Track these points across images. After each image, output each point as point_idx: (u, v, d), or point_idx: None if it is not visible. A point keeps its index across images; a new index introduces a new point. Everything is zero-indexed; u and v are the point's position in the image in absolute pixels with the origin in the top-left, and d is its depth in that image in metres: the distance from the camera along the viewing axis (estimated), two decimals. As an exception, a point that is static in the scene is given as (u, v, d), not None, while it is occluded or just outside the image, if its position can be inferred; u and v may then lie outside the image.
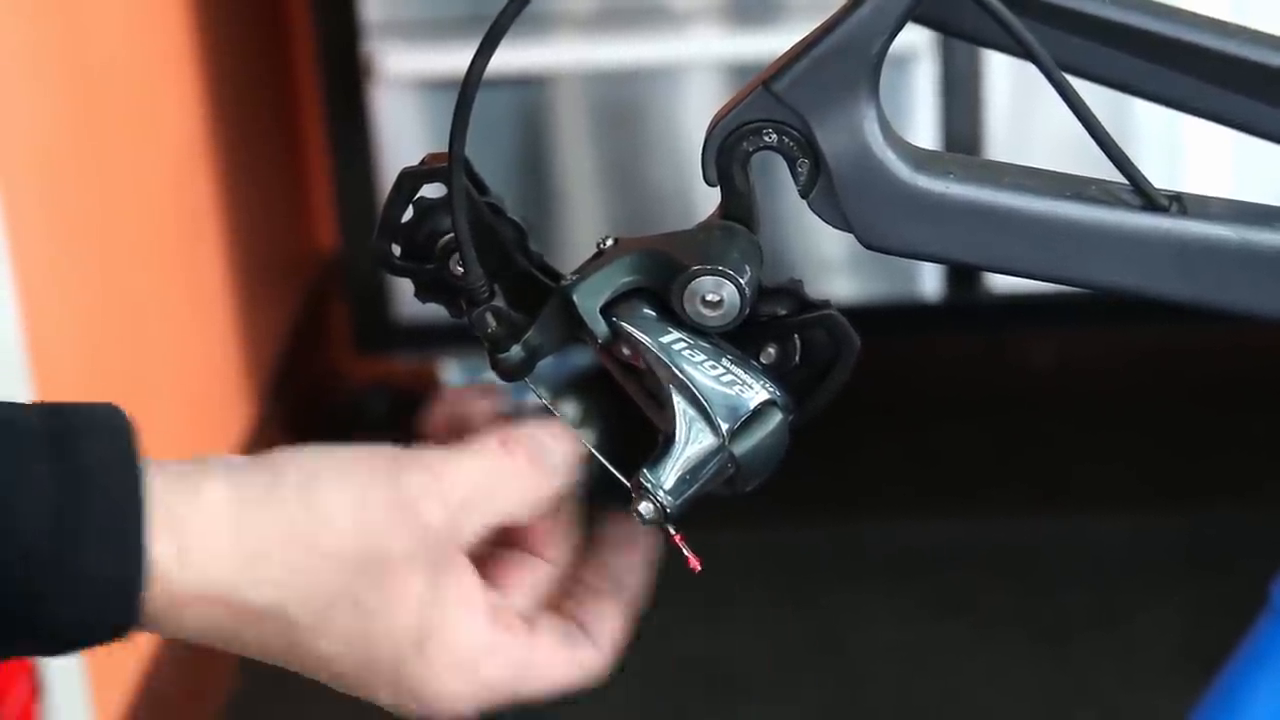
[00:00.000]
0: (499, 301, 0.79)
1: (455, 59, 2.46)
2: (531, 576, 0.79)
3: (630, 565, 0.80)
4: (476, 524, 0.75)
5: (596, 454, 0.78)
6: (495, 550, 0.79)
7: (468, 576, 0.75)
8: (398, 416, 2.85)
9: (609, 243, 0.79)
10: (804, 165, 0.75)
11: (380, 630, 0.74)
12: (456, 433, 0.79)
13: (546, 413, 0.80)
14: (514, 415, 0.80)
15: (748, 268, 0.76)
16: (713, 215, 0.78)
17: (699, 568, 0.79)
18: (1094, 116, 0.73)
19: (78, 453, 0.71)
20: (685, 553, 0.78)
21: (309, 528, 0.74)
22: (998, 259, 0.76)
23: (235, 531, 0.73)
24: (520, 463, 0.76)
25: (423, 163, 0.80)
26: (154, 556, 0.71)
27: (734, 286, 0.76)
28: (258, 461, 0.75)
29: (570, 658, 0.78)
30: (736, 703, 2.33)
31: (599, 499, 0.80)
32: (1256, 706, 1.25)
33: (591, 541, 0.81)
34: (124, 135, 2.18)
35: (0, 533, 0.69)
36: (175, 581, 0.72)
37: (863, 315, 0.81)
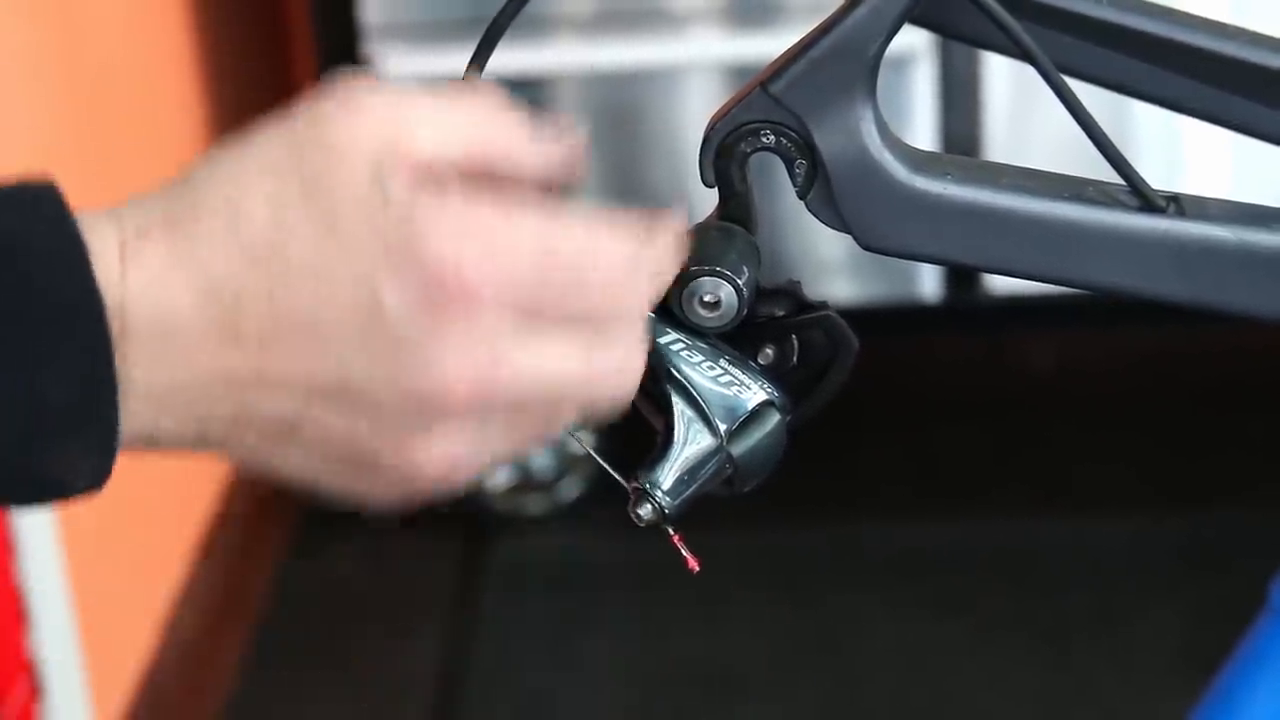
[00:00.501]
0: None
1: (454, 61, 2.46)
2: None
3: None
4: (430, 128, 0.64)
5: (595, 455, 0.78)
6: None
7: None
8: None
9: (607, 243, 0.79)
10: (802, 166, 0.75)
11: (336, 202, 0.62)
12: None
13: None
14: None
15: (746, 268, 0.76)
16: (710, 216, 0.78)
17: (697, 568, 0.79)
18: (1091, 118, 0.74)
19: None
20: (683, 553, 0.78)
21: (236, 155, 0.64)
22: (996, 260, 0.76)
23: (167, 183, 0.64)
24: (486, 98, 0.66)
25: (422, 164, 0.80)
26: (83, 213, 0.62)
27: (732, 287, 0.76)
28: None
29: (584, 221, 0.65)
30: (734, 703, 2.33)
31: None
32: (1256, 707, 1.25)
33: None
34: (124, 137, 2.18)
35: None
36: (115, 223, 0.62)
37: (862, 317, 0.81)
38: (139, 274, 0.62)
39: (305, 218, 0.62)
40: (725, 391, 0.77)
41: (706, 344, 0.77)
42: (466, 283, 0.62)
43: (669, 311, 0.77)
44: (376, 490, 0.66)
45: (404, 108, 0.64)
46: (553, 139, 0.68)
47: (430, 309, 0.62)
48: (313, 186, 0.62)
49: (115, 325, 0.62)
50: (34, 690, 1.83)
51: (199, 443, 0.65)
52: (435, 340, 0.62)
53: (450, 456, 0.65)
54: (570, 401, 0.67)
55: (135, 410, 0.63)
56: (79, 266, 0.61)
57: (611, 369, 0.68)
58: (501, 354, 0.64)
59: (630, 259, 0.67)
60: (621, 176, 2.60)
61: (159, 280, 0.62)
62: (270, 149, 0.64)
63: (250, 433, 0.65)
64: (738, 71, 2.52)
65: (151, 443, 0.64)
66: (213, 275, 0.62)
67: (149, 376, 0.63)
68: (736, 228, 0.78)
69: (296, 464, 0.66)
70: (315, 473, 0.66)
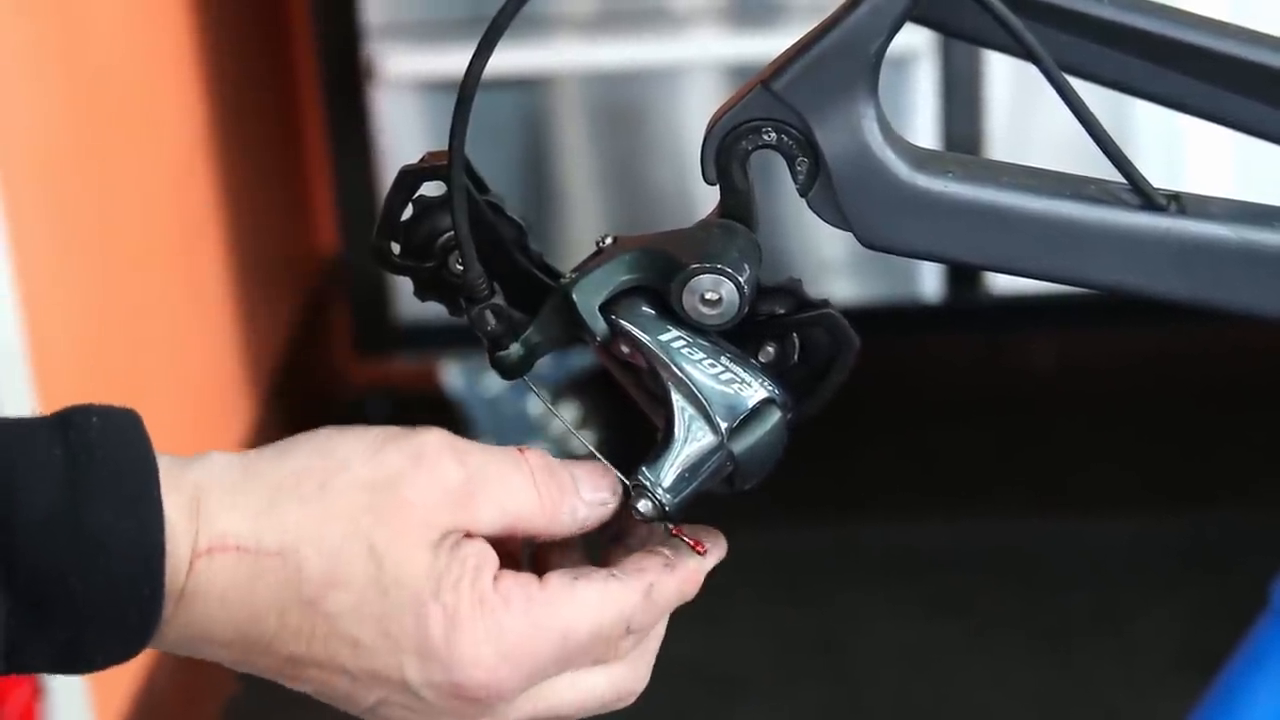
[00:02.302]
0: (499, 300, 0.79)
1: (455, 60, 2.46)
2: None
3: (679, 553, 0.78)
4: (493, 507, 0.73)
5: (595, 452, 0.78)
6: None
7: (484, 550, 0.73)
8: (398, 418, 2.85)
9: (608, 241, 0.79)
10: (803, 164, 0.75)
11: (391, 581, 0.72)
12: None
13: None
14: None
15: (747, 266, 0.76)
16: (712, 214, 0.78)
17: (704, 551, 0.79)
18: (1093, 116, 0.74)
19: (84, 427, 0.70)
20: (686, 540, 0.78)
21: (324, 471, 0.72)
22: (997, 258, 0.76)
23: (246, 480, 0.72)
24: (536, 470, 0.75)
25: (423, 161, 0.80)
26: (169, 514, 0.70)
27: (733, 285, 0.76)
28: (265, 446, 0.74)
29: (596, 591, 0.74)
30: (735, 703, 2.33)
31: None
32: (1256, 706, 1.25)
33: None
34: (125, 136, 2.18)
35: (13, 503, 0.68)
36: (192, 536, 0.71)
37: (862, 316, 0.81)
38: (199, 582, 0.71)
39: (360, 584, 0.72)
40: (726, 389, 0.77)
41: (708, 341, 0.77)
42: (491, 687, 0.73)
43: (670, 309, 0.77)
44: None
45: (471, 488, 0.73)
46: (591, 500, 0.76)
47: (457, 700, 0.73)
48: (375, 559, 0.72)
49: (166, 607, 0.71)
50: (35, 690, 1.83)
51: None
52: (462, 714, 0.74)
53: None
54: (593, 709, 0.77)
55: (156, 643, 0.73)
56: (156, 575, 0.70)
57: (629, 688, 0.78)
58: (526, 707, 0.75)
59: (642, 610, 0.76)
60: (622, 176, 2.60)
61: (212, 594, 0.72)
62: (344, 502, 0.72)
63: (282, 680, 0.76)
64: (738, 71, 2.52)
65: None
66: (263, 605, 0.72)
67: (177, 643, 0.73)
68: (738, 225, 0.78)
69: (328, 700, 0.77)
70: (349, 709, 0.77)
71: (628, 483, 0.77)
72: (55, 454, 0.70)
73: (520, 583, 0.73)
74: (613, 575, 0.75)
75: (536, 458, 0.75)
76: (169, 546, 0.70)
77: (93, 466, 0.70)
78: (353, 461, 0.73)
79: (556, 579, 0.74)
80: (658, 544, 0.77)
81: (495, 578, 0.73)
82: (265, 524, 0.72)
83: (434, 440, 0.74)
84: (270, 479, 0.72)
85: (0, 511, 0.68)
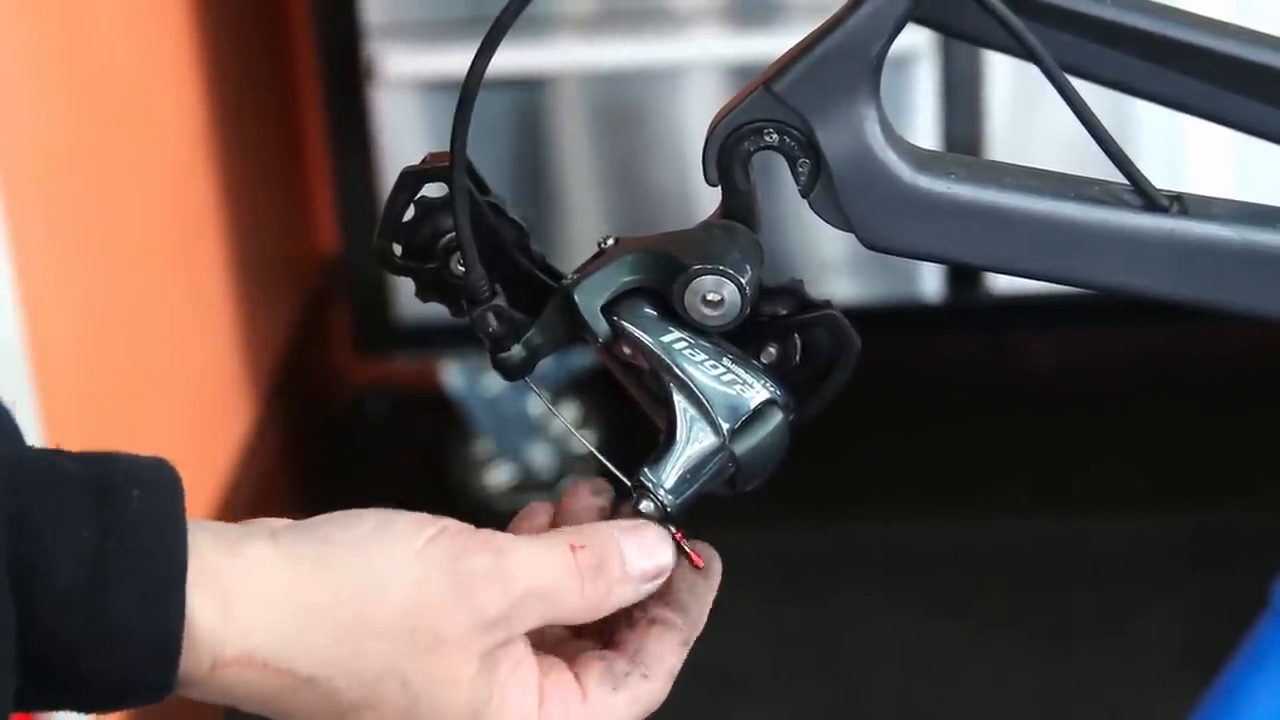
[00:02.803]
0: (500, 301, 0.79)
1: (456, 60, 2.46)
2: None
3: (693, 589, 0.79)
4: (533, 620, 0.73)
5: (597, 454, 0.78)
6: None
7: (522, 659, 0.74)
8: (398, 418, 2.85)
9: (610, 242, 0.79)
10: (805, 165, 0.75)
11: (427, 711, 0.72)
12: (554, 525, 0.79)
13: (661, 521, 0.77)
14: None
15: (749, 267, 0.76)
16: (714, 215, 0.78)
17: (701, 566, 0.79)
18: (1095, 117, 0.74)
19: (120, 502, 0.69)
20: (686, 551, 0.78)
21: (360, 597, 0.72)
22: (999, 259, 0.76)
23: (281, 594, 0.71)
24: (585, 572, 0.74)
25: (424, 162, 0.80)
26: (194, 613, 0.69)
27: (735, 286, 0.76)
28: (305, 525, 0.73)
29: (627, 698, 0.76)
30: (735, 703, 2.33)
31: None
32: (1257, 707, 1.25)
33: None
34: (125, 136, 2.18)
35: (37, 578, 0.68)
36: (217, 641, 0.70)
37: (863, 316, 0.81)
38: (221, 683, 0.71)
39: (397, 709, 0.72)
40: (728, 390, 0.77)
41: (709, 343, 0.77)
42: None
43: (672, 310, 0.77)
44: None
45: (512, 615, 0.73)
46: (638, 581, 0.76)
47: None
48: (411, 693, 0.72)
49: (179, 691, 0.71)
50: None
51: None
52: None
53: None
54: None
55: None
56: (171, 668, 0.70)
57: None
58: None
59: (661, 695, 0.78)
60: (622, 176, 2.60)
61: (234, 694, 0.71)
62: (379, 641, 0.72)
63: None
64: (739, 71, 2.52)
65: None
66: (289, 707, 0.72)
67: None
68: (739, 226, 0.78)
69: None
70: None
71: (630, 484, 0.77)
72: (85, 533, 0.69)
73: (563, 697, 0.74)
74: (645, 677, 0.77)
75: (586, 556, 0.74)
76: (188, 644, 0.70)
77: (123, 554, 0.69)
78: (390, 589, 0.72)
79: (596, 691, 0.75)
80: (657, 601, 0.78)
81: (540, 697, 0.74)
82: (298, 650, 0.71)
83: (480, 566, 0.72)
84: (308, 595, 0.71)
85: (22, 586, 0.68)
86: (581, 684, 0.75)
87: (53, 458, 0.70)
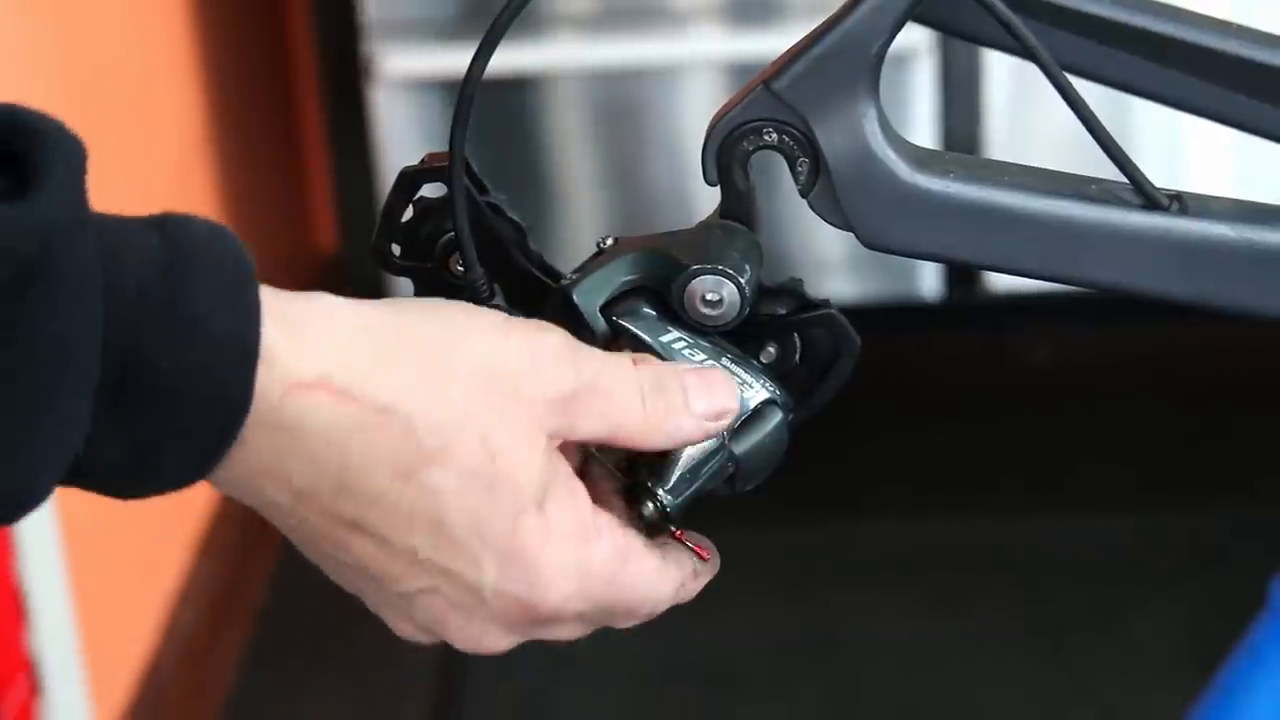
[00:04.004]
0: (499, 301, 0.79)
1: (455, 59, 2.46)
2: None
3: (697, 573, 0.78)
4: (595, 418, 0.71)
5: (596, 454, 0.78)
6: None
7: (574, 480, 0.72)
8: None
9: (609, 242, 0.79)
10: (804, 164, 0.75)
11: (504, 474, 0.68)
12: None
13: None
14: None
15: (748, 267, 0.76)
16: (713, 214, 0.78)
17: (707, 558, 0.79)
18: (1094, 115, 0.74)
19: (183, 226, 0.67)
20: (689, 545, 0.78)
21: (440, 340, 0.69)
22: (998, 258, 0.76)
23: (356, 329, 0.68)
24: (647, 387, 0.72)
25: (423, 162, 0.80)
26: (266, 334, 0.65)
27: (734, 285, 0.76)
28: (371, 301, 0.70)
29: (657, 561, 0.74)
30: (734, 700, 2.33)
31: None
32: (1255, 705, 1.25)
33: None
34: (124, 135, 2.18)
35: (105, 284, 0.64)
36: (291, 362, 0.66)
37: (861, 314, 0.81)
38: (296, 413, 0.67)
39: (463, 471, 0.68)
40: (728, 389, 0.76)
41: (709, 342, 0.77)
42: (558, 613, 0.72)
43: (671, 310, 0.77)
44: (413, 626, 0.73)
45: (581, 396, 0.71)
46: (700, 414, 0.74)
47: (518, 611, 0.71)
48: (485, 455, 0.68)
49: (249, 427, 0.66)
50: (33, 688, 1.82)
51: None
52: (513, 618, 0.72)
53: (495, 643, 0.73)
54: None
55: (217, 480, 0.68)
56: (249, 367, 0.65)
57: None
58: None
59: (672, 592, 0.76)
60: (621, 175, 2.60)
61: (306, 430, 0.67)
62: (463, 380, 0.69)
63: (322, 546, 0.71)
64: (738, 69, 2.52)
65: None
66: (357, 458, 0.67)
67: (242, 477, 0.68)
68: (739, 226, 0.77)
69: (347, 579, 0.72)
70: (363, 593, 0.73)
71: (630, 484, 0.77)
72: (152, 240, 0.66)
73: (609, 522, 0.72)
74: (663, 559, 0.75)
75: (649, 372, 0.73)
76: (264, 356, 0.65)
77: (192, 258, 0.65)
78: (474, 336, 0.70)
79: (633, 535, 0.74)
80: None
81: (592, 509, 0.72)
82: (378, 378, 0.67)
83: (554, 342, 0.71)
84: (385, 333, 0.68)
85: (96, 283, 0.64)
86: (624, 534, 0.73)
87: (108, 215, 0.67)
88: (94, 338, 0.64)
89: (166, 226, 0.67)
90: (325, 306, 0.68)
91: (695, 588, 0.77)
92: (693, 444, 0.74)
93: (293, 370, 0.66)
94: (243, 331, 0.65)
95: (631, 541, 0.73)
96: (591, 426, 0.71)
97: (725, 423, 0.75)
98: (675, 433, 0.73)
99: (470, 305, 0.72)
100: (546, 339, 0.71)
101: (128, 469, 0.66)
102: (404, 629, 0.73)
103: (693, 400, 0.74)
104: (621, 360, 0.73)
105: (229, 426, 0.66)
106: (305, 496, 0.68)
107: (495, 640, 0.73)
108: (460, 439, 0.68)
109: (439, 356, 0.69)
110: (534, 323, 0.72)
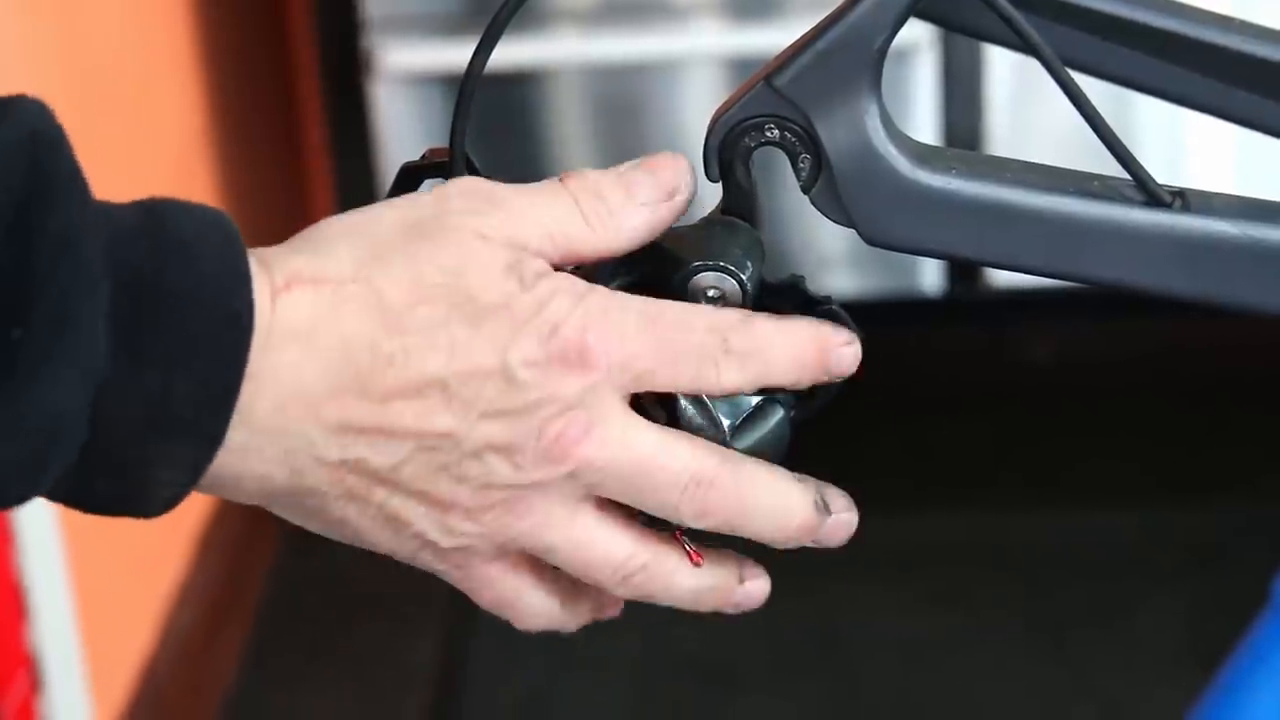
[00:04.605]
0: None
1: (455, 54, 2.46)
2: None
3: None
4: (535, 230, 0.71)
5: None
6: None
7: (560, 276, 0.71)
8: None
9: (609, 238, 0.79)
10: (806, 161, 0.75)
11: (477, 282, 0.69)
12: None
13: None
14: None
15: (749, 263, 0.76)
16: (714, 210, 0.78)
17: (700, 564, 0.79)
18: (1097, 112, 0.73)
19: (154, 208, 0.69)
20: (686, 549, 0.78)
21: (362, 218, 0.71)
22: (1000, 255, 0.75)
23: (294, 241, 0.71)
24: (581, 198, 0.72)
25: (423, 158, 0.80)
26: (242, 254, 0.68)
27: (735, 282, 0.76)
28: None
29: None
30: (734, 696, 2.33)
31: None
32: (1257, 702, 1.25)
33: None
34: (123, 131, 2.18)
35: (99, 206, 0.66)
36: (264, 275, 0.68)
37: (863, 310, 0.81)
38: (284, 317, 0.68)
39: (444, 296, 0.69)
40: (729, 387, 0.76)
41: (710, 339, 0.77)
42: (588, 352, 0.70)
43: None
44: (443, 561, 0.72)
45: (509, 215, 0.71)
46: (649, 200, 0.74)
47: (553, 372, 0.69)
48: (451, 273, 0.69)
49: (255, 355, 0.67)
50: (34, 684, 1.82)
51: (276, 495, 0.70)
52: (553, 401, 0.70)
53: (539, 531, 0.72)
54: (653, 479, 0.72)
55: (237, 445, 0.68)
56: (244, 283, 0.67)
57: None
58: (606, 426, 0.71)
59: (720, 330, 0.72)
60: (622, 170, 2.59)
61: (299, 329, 0.68)
62: (394, 236, 0.70)
63: (346, 480, 0.70)
64: (739, 64, 2.52)
65: (222, 487, 0.69)
66: (351, 333, 0.68)
67: (268, 414, 0.68)
68: (741, 222, 0.77)
69: (374, 522, 0.71)
70: (389, 533, 0.72)
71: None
72: (128, 209, 0.68)
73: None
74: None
75: (576, 180, 0.73)
76: (252, 268, 0.68)
77: (165, 203, 0.68)
78: (388, 208, 0.71)
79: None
80: None
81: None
82: (331, 262, 0.69)
83: (462, 184, 0.72)
84: (317, 235, 0.71)
85: (87, 190, 0.66)
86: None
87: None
88: (98, 238, 0.65)
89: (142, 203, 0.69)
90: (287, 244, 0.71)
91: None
92: (655, 233, 0.74)
93: (275, 272, 0.68)
94: (231, 247, 0.67)
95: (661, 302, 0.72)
96: (538, 241, 0.71)
97: (682, 198, 0.74)
98: (631, 230, 0.73)
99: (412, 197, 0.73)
100: (452, 185, 0.72)
101: (145, 421, 0.66)
102: (454, 520, 0.71)
103: (637, 191, 0.73)
104: (543, 182, 0.73)
105: (240, 349, 0.67)
106: (333, 400, 0.68)
107: (530, 520, 0.71)
108: (422, 277, 0.69)
109: (368, 229, 0.70)
110: (468, 188, 0.72)
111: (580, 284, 0.71)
